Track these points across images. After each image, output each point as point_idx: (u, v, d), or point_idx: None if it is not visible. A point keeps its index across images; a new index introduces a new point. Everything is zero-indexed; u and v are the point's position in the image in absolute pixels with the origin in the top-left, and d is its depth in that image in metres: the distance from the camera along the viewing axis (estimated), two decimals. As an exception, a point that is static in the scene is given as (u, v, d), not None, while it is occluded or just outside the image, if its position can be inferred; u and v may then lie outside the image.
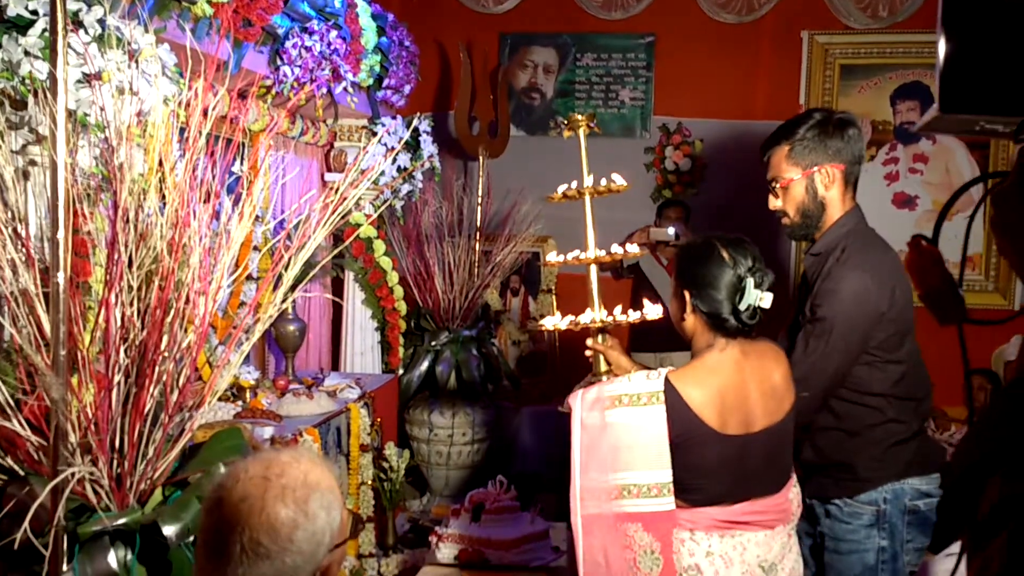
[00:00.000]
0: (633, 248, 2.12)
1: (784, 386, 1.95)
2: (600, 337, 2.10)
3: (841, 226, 2.19)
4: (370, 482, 3.28)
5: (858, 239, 2.17)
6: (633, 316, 2.05)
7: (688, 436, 1.80)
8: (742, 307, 1.85)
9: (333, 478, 1.19)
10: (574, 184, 2.14)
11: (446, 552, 2.71)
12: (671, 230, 4.05)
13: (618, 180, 2.11)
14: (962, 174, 4.80)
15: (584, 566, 1.81)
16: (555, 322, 2.06)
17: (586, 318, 2.05)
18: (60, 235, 1.43)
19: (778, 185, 2.22)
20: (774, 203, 2.25)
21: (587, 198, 2.09)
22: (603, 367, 2.09)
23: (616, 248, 2.08)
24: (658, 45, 4.99)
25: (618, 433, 1.80)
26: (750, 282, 1.85)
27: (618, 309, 2.07)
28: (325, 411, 3.05)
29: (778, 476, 1.94)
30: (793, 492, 1.97)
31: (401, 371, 4.02)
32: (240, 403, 2.90)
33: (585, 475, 1.82)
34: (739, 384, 1.87)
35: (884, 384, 2.15)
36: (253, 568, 1.09)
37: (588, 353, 2.11)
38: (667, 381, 1.81)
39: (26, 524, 1.35)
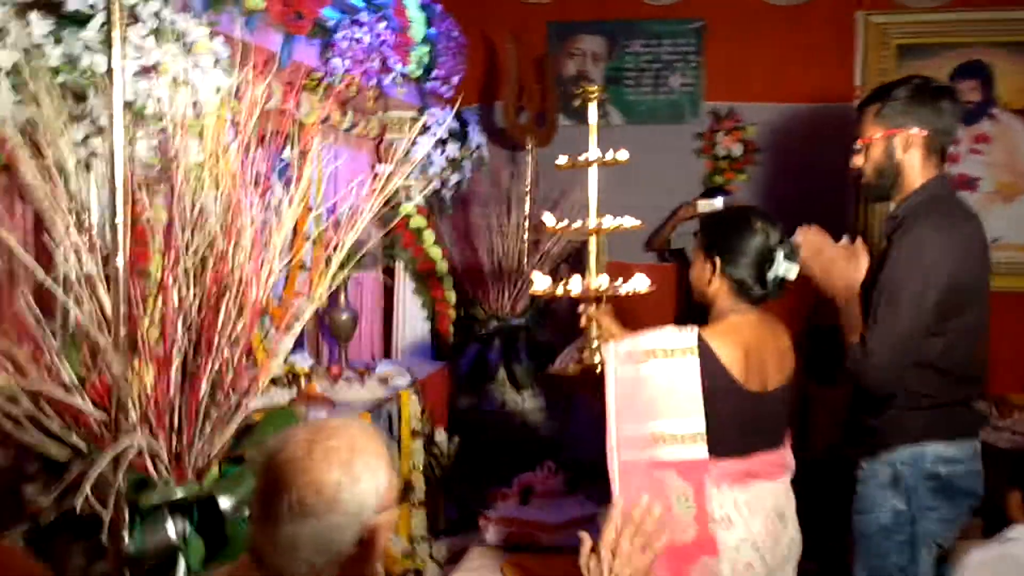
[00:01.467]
0: (633, 221, 2.19)
1: (791, 353, 2.08)
2: (595, 305, 2.15)
3: (920, 192, 2.20)
4: (421, 468, 3.33)
5: (938, 205, 2.17)
6: (625, 288, 2.10)
7: (717, 389, 1.89)
8: (770, 276, 1.97)
9: (380, 445, 1.23)
10: (582, 156, 2.24)
11: (494, 534, 2.74)
12: (718, 201, 4.02)
13: (624, 155, 2.20)
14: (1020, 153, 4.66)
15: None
16: (545, 287, 2.14)
17: (576, 286, 2.11)
18: (119, 220, 1.49)
19: (860, 142, 2.23)
20: (855, 161, 2.28)
21: (594, 167, 2.19)
22: (595, 332, 2.15)
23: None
24: (708, 30, 4.93)
25: (653, 384, 1.88)
26: (780, 253, 1.97)
27: (605, 278, 2.14)
28: (377, 397, 3.11)
29: (782, 431, 2.09)
30: (788, 448, 2.12)
31: (451, 359, 4.06)
32: (295, 389, 2.97)
33: (621, 425, 1.90)
34: (759, 345, 1.99)
35: (927, 354, 2.13)
36: (300, 526, 1.13)
37: (583, 322, 2.16)
38: (699, 336, 1.91)
39: (87, 490, 1.40)
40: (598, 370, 2.05)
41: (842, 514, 2.33)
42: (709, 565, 1.88)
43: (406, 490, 1.30)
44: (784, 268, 1.97)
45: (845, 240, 2.23)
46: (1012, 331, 3.80)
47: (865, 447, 2.25)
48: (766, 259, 1.98)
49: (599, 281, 2.11)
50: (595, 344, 2.11)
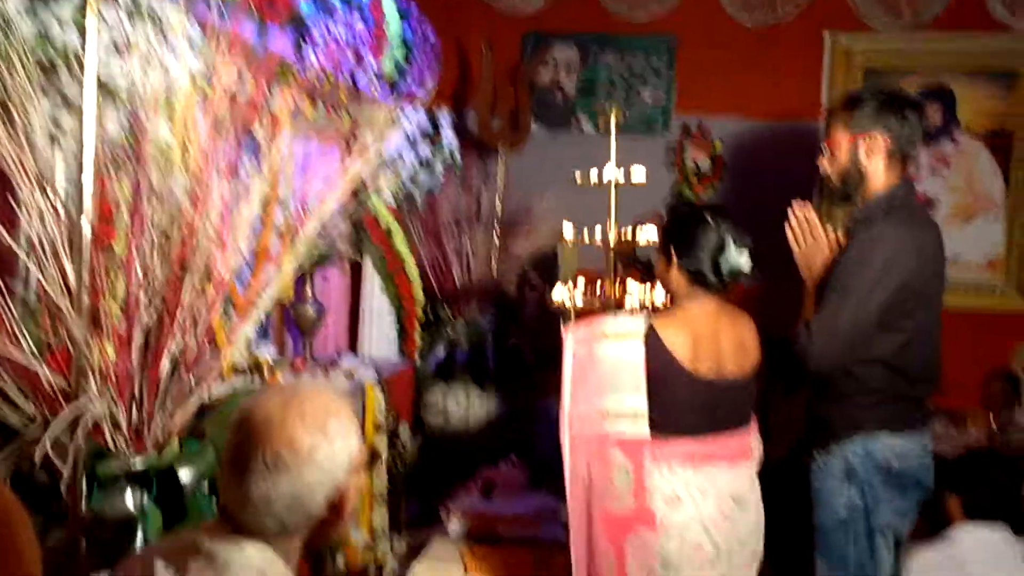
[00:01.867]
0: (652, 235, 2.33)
1: (753, 345, 2.18)
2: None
3: (882, 198, 2.26)
4: (384, 462, 3.33)
5: (897, 209, 2.24)
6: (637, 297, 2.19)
7: (662, 372, 2.02)
8: (723, 266, 2.08)
9: (351, 412, 1.25)
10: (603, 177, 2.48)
11: (456, 527, 2.76)
12: None
13: (640, 173, 2.42)
14: (983, 177, 4.79)
15: (570, 481, 2.04)
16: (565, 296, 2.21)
17: (559, 295, 2.25)
18: (85, 177, 1.50)
19: (826, 144, 2.31)
20: (822, 163, 2.37)
21: (612, 189, 2.42)
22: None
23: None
24: (680, 45, 5.03)
25: (604, 364, 2.03)
26: (731, 243, 2.08)
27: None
28: (341, 390, 3.11)
29: (740, 418, 2.16)
30: (755, 439, 2.21)
31: (417, 358, 4.07)
32: (258, 379, 2.96)
33: (574, 401, 2.07)
34: (712, 333, 2.09)
35: (883, 350, 2.20)
36: (274, 483, 1.15)
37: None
38: (647, 323, 2.05)
39: (46, 449, 1.41)
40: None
41: (805, 513, 2.38)
42: (645, 538, 1.98)
43: (372, 457, 1.31)
44: (735, 258, 2.08)
45: (832, 234, 2.33)
46: (968, 348, 3.90)
47: (819, 439, 2.31)
48: (719, 249, 2.08)
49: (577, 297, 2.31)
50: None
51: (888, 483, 2.22)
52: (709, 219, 2.11)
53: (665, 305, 2.24)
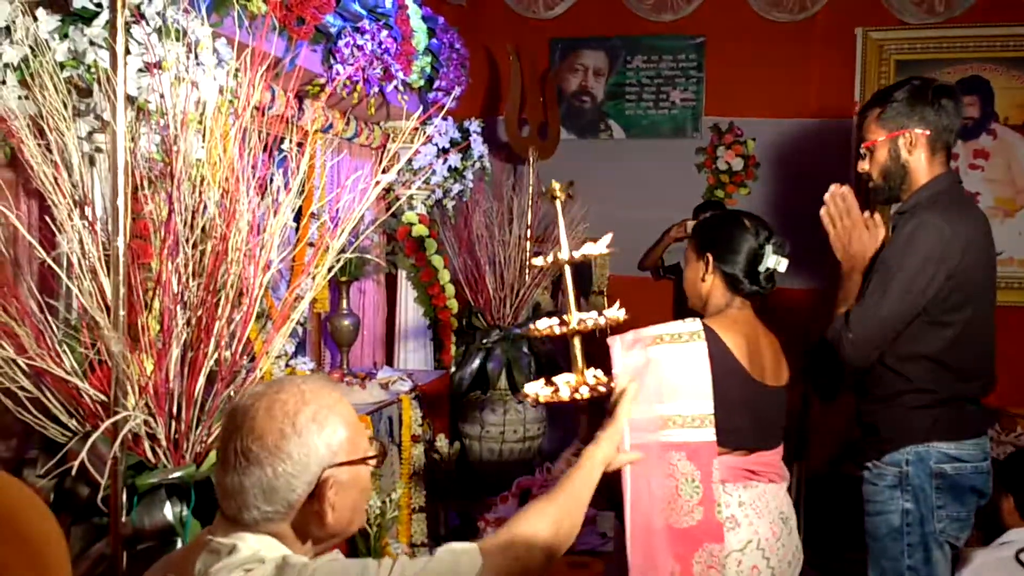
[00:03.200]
0: (616, 312, 1.80)
1: (782, 355, 2.12)
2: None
3: (926, 189, 2.22)
4: (422, 473, 3.34)
5: (943, 199, 2.19)
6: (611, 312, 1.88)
7: (724, 373, 1.92)
8: (761, 269, 2.04)
9: (337, 400, 1.24)
10: (550, 258, 1.80)
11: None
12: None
13: (600, 246, 1.78)
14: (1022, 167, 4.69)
15: (631, 493, 1.87)
16: (538, 391, 1.78)
17: (564, 388, 1.77)
18: (120, 201, 1.52)
19: (864, 147, 2.27)
20: (862, 165, 2.31)
21: (567, 268, 1.80)
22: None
23: (593, 317, 1.75)
24: (708, 46, 5.00)
25: (662, 367, 1.88)
26: (769, 248, 2.04)
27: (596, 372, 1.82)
28: (377, 400, 3.13)
29: (779, 433, 2.09)
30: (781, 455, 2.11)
31: (453, 368, 4.08)
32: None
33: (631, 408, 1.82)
34: (756, 339, 2.05)
35: (932, 346, 2.14)
36: (247, 474, 1.17)
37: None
38: (704, 324, 1.95)
39: (82, 456, 1.42)
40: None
41: (846, 528, 2.33)
42: (713, 552, 1.88)
43: (379, 452, 1.30)
44: (773, 261, 2.04)
45: (867, 214, 2.27)
46: (1015, 345, 3.81)
47: (871, 447, 2.25)
48: (756, 253, 2.05)
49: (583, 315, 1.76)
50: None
51: (943, 490, 2.15)
52: (747, 223, 2.08)
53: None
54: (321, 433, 1.20)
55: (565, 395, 1.71)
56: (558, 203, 1.89)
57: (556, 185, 1.90)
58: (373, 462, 1.27)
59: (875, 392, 2.22)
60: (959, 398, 2.19)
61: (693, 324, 1.93)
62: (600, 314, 1.75)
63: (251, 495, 1.18)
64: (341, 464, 1.21)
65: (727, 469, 1.94)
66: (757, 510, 1.97)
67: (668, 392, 1.88)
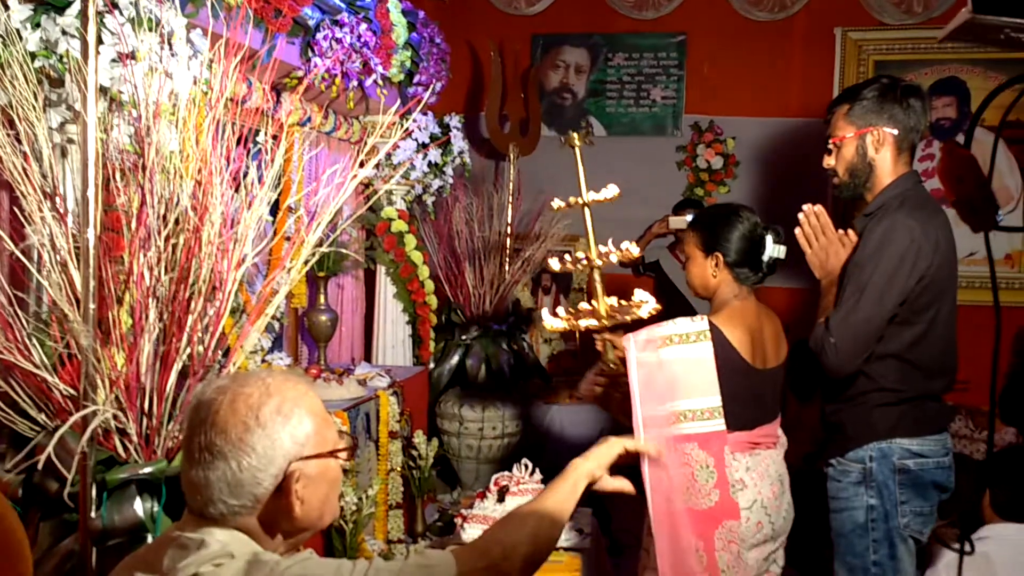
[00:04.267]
0: (629, 245, 2.17)
1: (781, 335, 2.29)
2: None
3: (892, 188, 2.24)
4: (399, 469, 3.33)
5: (909, 200, 2.20)
6: (644, 310, 2.12)
7: (729, 368, 2.08)
8: (764, 259, 2.20)
9: (303, 393, 1.23)
10: (570, 200, 2.25)
11: (471, 533, 2.74)
12: (689, 218, 4.06)
13: (611, 190, 2.21)
14: (1000, 170, 4.73)
15: (650, 483, 2.02)
16: (554, 324, 2.17)
17: (586, 321, 2.15)
18: (90, 192, 1.50)
19: (831, 142, 2.28)
20: (827, 161, 2.34)
21: (586, 210, 2.21)
22: (611, 355, 2.22)
23: (611, 250, 2.16)
24: (689, 44, 5.01)
25: (673, 367, 2.06)
26: (769, 238, 2.20)
27: (614, 299, 2.18)
28: (354, 396, 3.11)
29: (777, 406, 2.28)
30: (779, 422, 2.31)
31: (432, 365, 4.07)
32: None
33: (645, 406, 2.06)
34: (759, 327, 2.20)
35: (899, 344, 2.16)
36: (212, 468, 1.16)
37: (599, 345, 2.24)
38: (710, 322, 2.10)
39: (48, 451, 1.40)
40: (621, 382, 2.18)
41: (823, 525, 2.35)
42: (731, 528, 2.08)
43: (351, 446, 1.28)
44: (774, 249, 2.19)
45: (842, 231, 2.29)
46: (988, 345, 3.84)
47: (834, 444, 2.27)
48: (758, 244, 2.20)
49: (604, 305, 2.16)
50: (612, 365, 2.20)
51: (906, 485, 2.18)
52: (745, 215, 2.23)
53: (651, 314, 2.15)
54: (286, 426, 1.19)
55: (584, 323, 2.08)
56: (576, 150, 2.23)
57: (574, 135, 2.26)
58: (343, 455, 1.25)
59: (841, 392, 2.25)
60: (923, 395, 2.22)
61: (700, 323, 2.09)
62: (617, 248, 2.11)
63: (216, 489, 1.17)
64: (308, 457, 1.20)
65: (734, 443, 2.12)
66: (760, 474, 2.17)
67: (679, 390, 2.05)
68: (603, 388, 2.26)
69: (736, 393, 2.09)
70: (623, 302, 2.17)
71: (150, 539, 1.60)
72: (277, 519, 1.21)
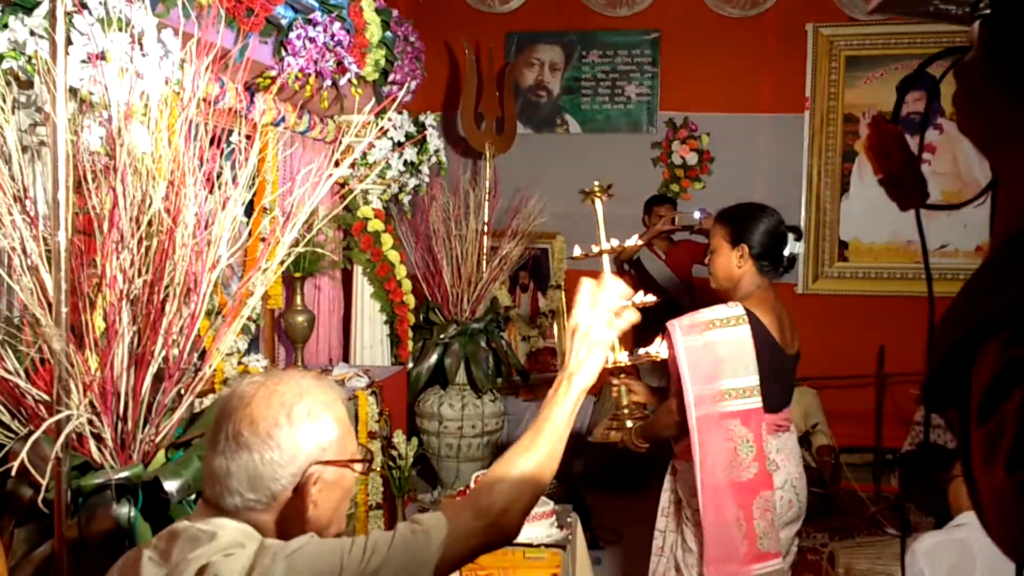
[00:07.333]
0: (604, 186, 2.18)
1: (795, 329, 2.45)
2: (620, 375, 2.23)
3: None
4: (379, 470, 3.32)
5: None
6: (652, 349, 2.01)
7: (764, 350, 2.27)
8: (785, 254, 2.38)
9: (333, 399, 1.24)
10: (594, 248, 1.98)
11: (452, 531, 2.73)
12: (697, 214, 4.15)
13: (632, 240, 2.01)
14: (970, 163, 4.79)
15: (701, 457, 2.25)
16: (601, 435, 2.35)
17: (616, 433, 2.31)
18: (61, 194, 1.48)
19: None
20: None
21: (604, 257, 1.90)
22: (625, 399, 2.28)
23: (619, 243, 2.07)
24: (663, 41, 5.04)
25: (717, 348, 2.26)
26: (791, 235, 2.39)
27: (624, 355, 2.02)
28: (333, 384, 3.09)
29: (792, 392, 2.49)
30: None
31: (410, 364, 4.06)
32: (249, 389, 2.94)
33: (694, 386, 2.26)
34: (781, 315, 2.37)
35: None
36: (235, 457, 1.16)
37: (614, 392, 2.28)
38: (744, 308, 2.29)
39: (22, 456, 1.39)
40: (632, 437, 2.37)
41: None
42: (767, 497, 2.29)
43: (367, 459, 1.27)
44: (794, 246, 2.39)
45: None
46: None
47: None
48: (781, 240, 2.38)
49: (622, 356, 1.95)
50: (626, 411, 2.25)
51: None
52: (772, 215, 2.40)
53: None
54: (313, 429, 1.19)
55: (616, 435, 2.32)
56: (598, 203, 2.12)
57: (597, 189, 2.14)
58: (359, 467, 1.25)
59: None
60: None
61: (736, 309, 2.28)
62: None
63: (236, 480, 1.17)
64: (328, 462, 1.20)
65: (768, 424, 2.31)
66: (787, 455, 2.37)
67: (723, 370, 2.25)
68: (617, 431, 2.33)
69: (769, 372, 2.28)
70: (639, 351, 2.06)
71: (127, 545, 1.58)
72: (289, 520, 1.20)
